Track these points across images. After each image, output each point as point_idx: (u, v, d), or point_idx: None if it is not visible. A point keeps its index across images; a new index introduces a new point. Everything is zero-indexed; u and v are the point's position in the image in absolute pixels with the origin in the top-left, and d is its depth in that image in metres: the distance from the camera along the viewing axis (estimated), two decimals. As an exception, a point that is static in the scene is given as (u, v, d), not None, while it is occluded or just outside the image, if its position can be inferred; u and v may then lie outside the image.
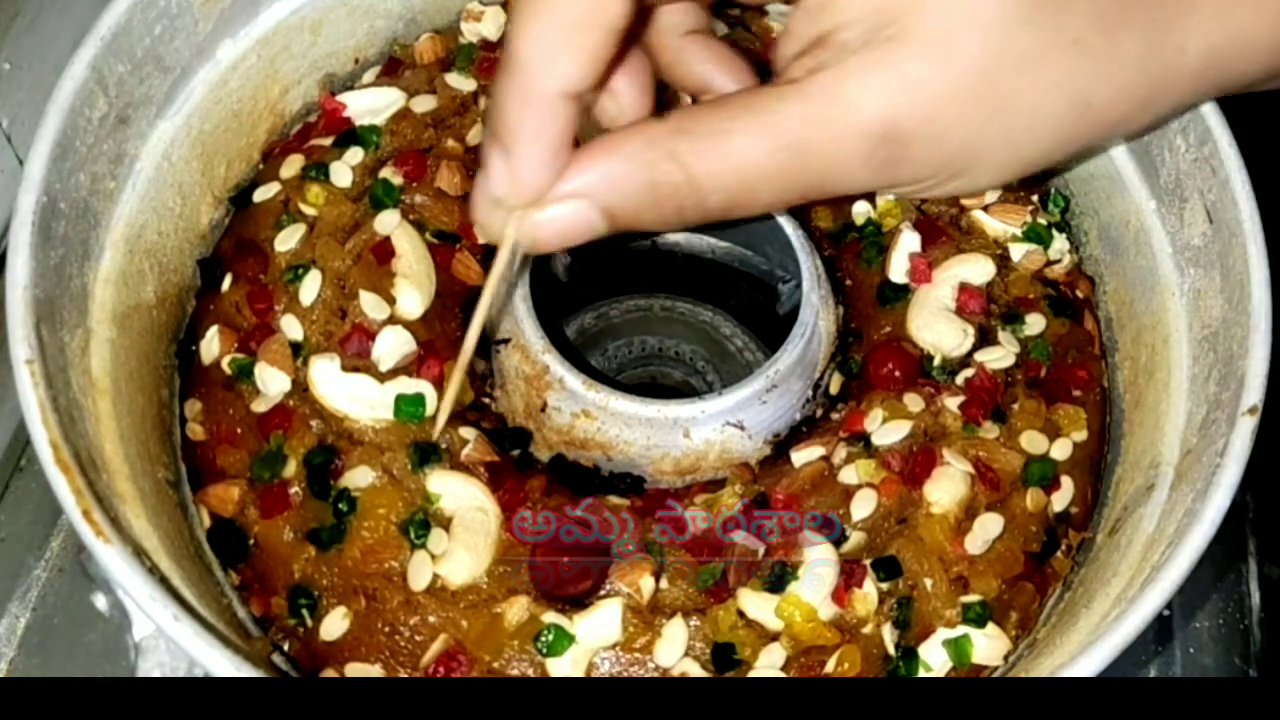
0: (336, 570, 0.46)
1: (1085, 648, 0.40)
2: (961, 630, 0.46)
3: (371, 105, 0.55)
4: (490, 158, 0.41)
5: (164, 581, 0.41)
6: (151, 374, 0.50)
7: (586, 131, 0.42)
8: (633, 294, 0.67)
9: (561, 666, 0.45)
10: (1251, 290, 0.46)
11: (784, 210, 0.53)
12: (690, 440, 0.50)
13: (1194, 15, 0.42)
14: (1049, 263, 0.55)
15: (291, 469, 0.47)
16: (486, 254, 0.54)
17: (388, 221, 0.52)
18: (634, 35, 0.43)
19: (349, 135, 0.54)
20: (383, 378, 0.49)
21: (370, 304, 0.50)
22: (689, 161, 0.40)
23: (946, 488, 0.47)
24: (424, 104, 0.55)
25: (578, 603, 0.45)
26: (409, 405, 0.48)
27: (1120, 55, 0.41)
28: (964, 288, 0.53)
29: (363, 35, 0.59)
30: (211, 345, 0.50)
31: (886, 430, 0.49)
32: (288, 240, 0.52)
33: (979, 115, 0.41)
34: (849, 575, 0.46)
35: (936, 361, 0.51)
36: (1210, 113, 0.49)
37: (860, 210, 0.55)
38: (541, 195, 0.41)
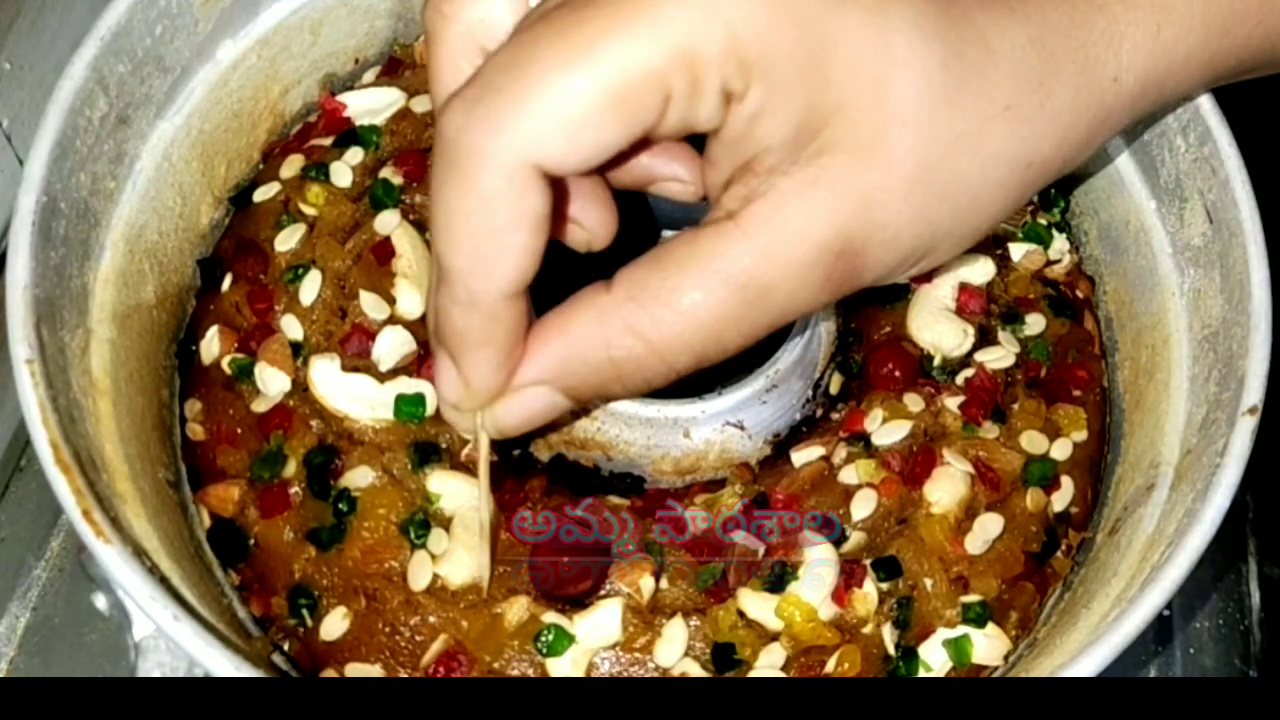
0: (336, 570, 0.46)
1: (1085, 648, 0.40)
2: (961, 630, 0.46)
3: (371, 105, 0.55)
4: (440, 364, 0.40)
5: (164, 581, 0.41)
6: (151, 374, 0.50)
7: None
8: (633, 294, 0.67)
9: (561, 666, 0.45)
10: (1251, 290, 0.46)
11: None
12: (690, 440, 0.50)
13: (1123, 44, 0.41)
14: (1049, 263, 0.55)
15: (291, 469, 0.47)
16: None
17: (388, 221, 0.52)
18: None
19: (349, 135, 0.54)
20: (383, 378, 0.49)
21: (370, 304, 0.50)
22: (646, 331, 0.38)
23: (946, 488, 0.47)
24: (424, 104, 0.55)
25: (578, 603, 0.45)
26: (409, 405, 0.48)
27: (1055, 106, 0.40)
28: (964, 287, 0.53)
29: (363, 35, 0.59)
30: (211, 345, 0.50)
31: (886, 430, 0.49)
32: (288, 240, 0.52)
33: (926, 206, 0.39)
34: (849, 575, 0.46)
35: (936, 361, 0.51)
36: (1210, 112, 0.49)
37: (860, 210, 0.55)
38: (498, 394, 0.39)
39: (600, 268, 0.63)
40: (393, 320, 0.50)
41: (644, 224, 0.62)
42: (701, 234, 0.38)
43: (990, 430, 0.49)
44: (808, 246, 0.37)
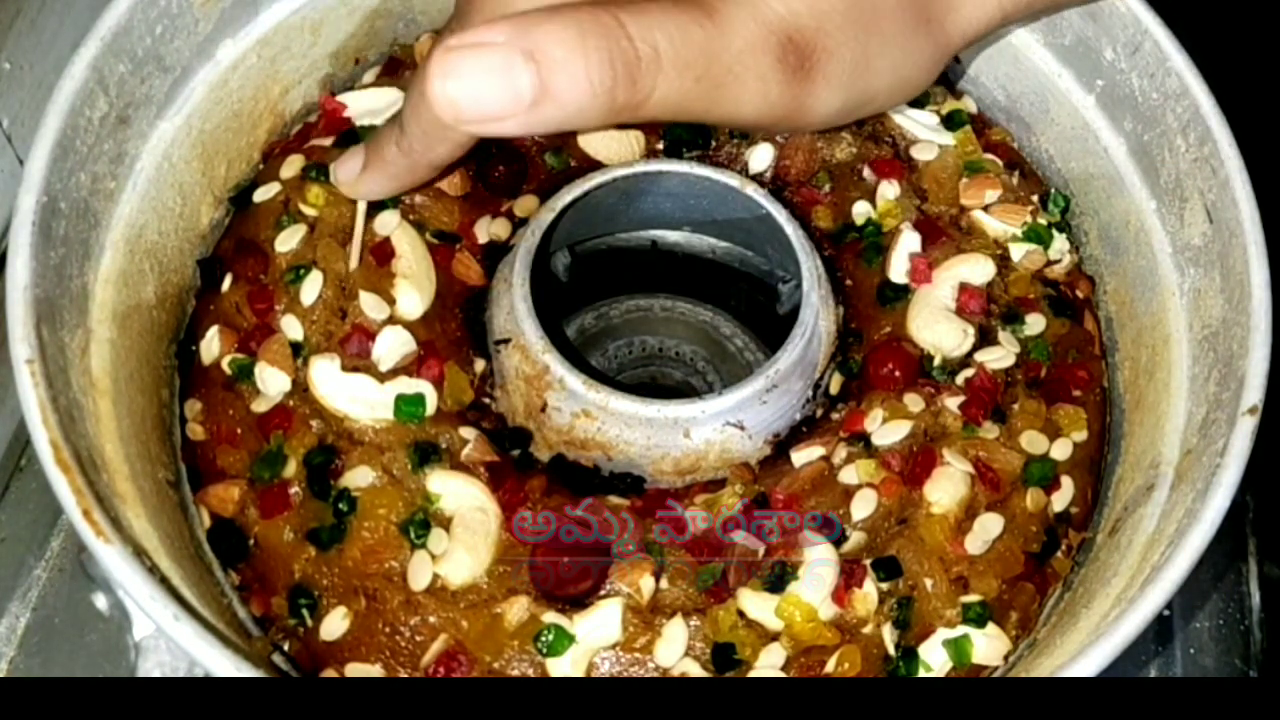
0: (337, 570, 0.46)
1: (1085, 648, 0.40)
2: (961, 630, 0.46)
3: (371, 105, 0.55)
4: (354, 154, 0.50)
5: (164, 582, 0.41)
6: (151, 374, 0.50)
7: None
8: (633, 294, 0.67)
9: (561, 666, 0.45)
10: (1252, 290, 0.46)
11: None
12: (690, 440, 0.50)
13: None
14: (1049, 263, 0.55)
15: (291, 469, 0.47)
16: (486, 254, 0.54)
17: (388, 222, 0.52)
18: None
19: (349, 135, 0.54)
20: (383, 378, 0.49)
21: (370, 304, 0.50)
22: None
23: (947, 488, 0.47)
24: (424, 104, 0.55)
25: (578, 603, 0.45)
26: (409, 405, 0.48)
27: None
28: (964, 288, 0.53)
29: (363, 35, 0.59)
30: (211, 345, 0.50)
31: (886, 430, 0.49)
32: (288, 241, 0.51)
33: (859, 31, 0.44)
34: (849, 575, 0.46)
35: (936, 361, 0.51)
36: (1210, 113, 0.49)
37: (860, 210, 0.55)
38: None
39: (588, 286, 0.64)
40: (393, 320, 0.50)
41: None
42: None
43: (990, 430, 0.49)
44: (765, 21, 0.42)
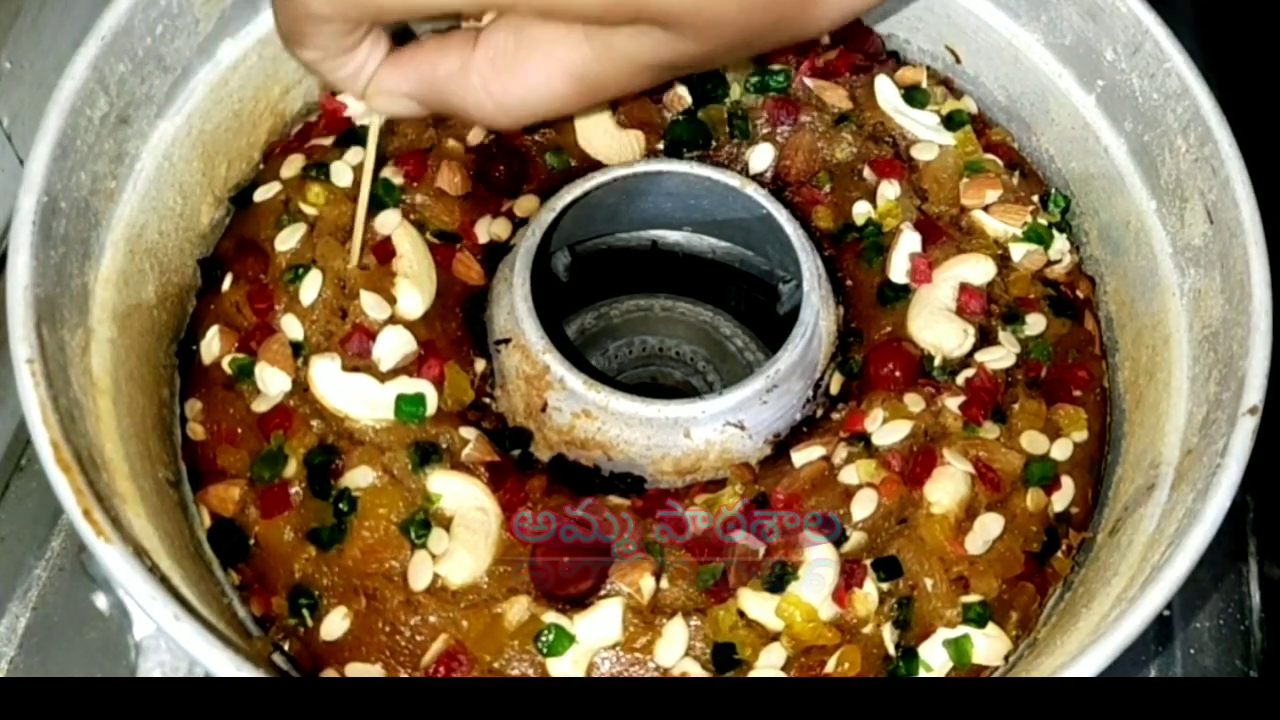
0: (337, 570, 0.46)
1: (1086, 648, 0.40)
2: (962, 630, 0.46)
3: (372, 105, 0.55)
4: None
5: (164, 581, 0.41)
6: (152, 373, 0.50)
7: None
8: (633, 294, 0.67)
9: (562, 666, 0.45)
10: (1252, 290, 0.46)
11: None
12: (691, 440, 0.50)
13: None
14: (1049, 263, 0.55)
15: (292, 469, 0.47)
16: (487, 254, 0.54)
17: (388, 221, 0.52)
18: None
19: (349, 135, 0.54)
20: (383, 377, 0.49)
21: (371, 304, 0.50)
22: (495, 93, 0.43)
23: (947, 488, 0.47)
24: (424, 104, 0.55)
25: (578, 602, 0.45)
26: (409, 405, 0.48)
27: None
28: (964, 288, 0.53)
29: (363, 35, 0.59)
30: (212, 345, 0.50)
31: (887, 430, 0.49)
32: (288, 240, 0.52)
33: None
34: (849, 575, 0.46)
35: (937, 361, 0.51)
36: (1210, 113, 0.49)
37: (861, 210, 0.55)
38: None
39: (589, 286, 0.64)
40: (393, 320, 0.50)
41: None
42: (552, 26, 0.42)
43: (990, 430, 0.49)
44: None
